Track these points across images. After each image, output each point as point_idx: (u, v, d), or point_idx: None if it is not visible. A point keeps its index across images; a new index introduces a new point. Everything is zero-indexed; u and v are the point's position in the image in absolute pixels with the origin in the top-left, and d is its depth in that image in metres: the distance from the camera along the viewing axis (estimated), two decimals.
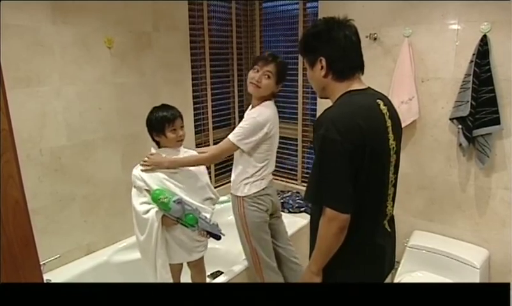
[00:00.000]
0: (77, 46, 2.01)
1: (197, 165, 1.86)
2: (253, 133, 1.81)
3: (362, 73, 1.28)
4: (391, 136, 1.23)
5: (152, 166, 1.75)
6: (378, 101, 1.23)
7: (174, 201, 1.65)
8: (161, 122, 1.75)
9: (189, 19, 2.62)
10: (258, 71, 1.84)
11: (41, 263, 0.79)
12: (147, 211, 1.70)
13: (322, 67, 1.24)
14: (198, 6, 2.73)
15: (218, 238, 1.80)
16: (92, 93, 2.12)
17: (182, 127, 1.81)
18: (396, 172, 1.30)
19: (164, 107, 1.80)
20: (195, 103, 2.78)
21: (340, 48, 1.22)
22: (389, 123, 1.23)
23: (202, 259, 1.95)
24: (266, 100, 1.89)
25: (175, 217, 1.68)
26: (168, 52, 2.48)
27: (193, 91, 2.74)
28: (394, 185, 1.31)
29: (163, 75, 2.48)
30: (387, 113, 1.23)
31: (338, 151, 1.13)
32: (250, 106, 1.98)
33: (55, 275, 1.96)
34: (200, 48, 2.82)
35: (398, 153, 1.29)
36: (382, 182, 1.25)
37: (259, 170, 1.91)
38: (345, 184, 1.15)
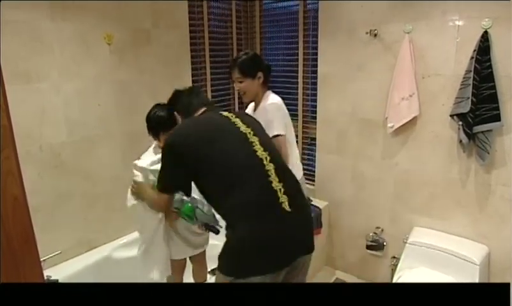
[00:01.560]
0: (76, 43, 2.00)
1: None
2: (283, 117, 1.91)
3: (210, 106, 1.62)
4: (240, 125, 1.45)
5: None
6: (221, 112, 1.53)
7: None
8: (157, 125, 1.73)
9: (189, 16, 2.60)
10: (234, 82, 1.95)
11: (41, 260, 0.79)
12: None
13: None
14: (198, 3, 2.71)
15: (216, 231, 1.67)
16: (92, 89, 2.11)
17: None
18: (266, 150, 1.40)
19: (165, 110, 1.74)
20: None
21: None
22: (235, 120, 1.47)
23: (204, 253, 1.95)
24: (263, 93, 1.96)
25: (175, 207, 1.60)
26: (167, 49, 2.47)
27: None
28: (272, 161, 1.38)
29: (163, 72, 2.47)
30: (233, 115, 1.50)
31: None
32: (253, 106, 2.03)
33: (56, 271, 1.96)
34: (200, 44, 2.81)
35: (259, 135, 1.44)
36: (252, 162, 1.36)
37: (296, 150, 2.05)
38: (173, 177, 1.45)
